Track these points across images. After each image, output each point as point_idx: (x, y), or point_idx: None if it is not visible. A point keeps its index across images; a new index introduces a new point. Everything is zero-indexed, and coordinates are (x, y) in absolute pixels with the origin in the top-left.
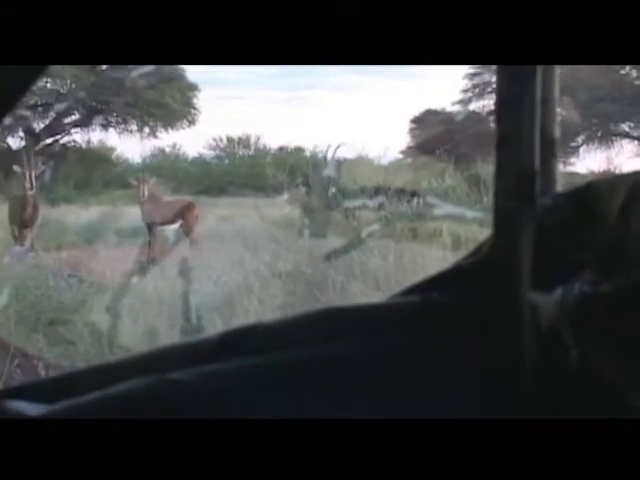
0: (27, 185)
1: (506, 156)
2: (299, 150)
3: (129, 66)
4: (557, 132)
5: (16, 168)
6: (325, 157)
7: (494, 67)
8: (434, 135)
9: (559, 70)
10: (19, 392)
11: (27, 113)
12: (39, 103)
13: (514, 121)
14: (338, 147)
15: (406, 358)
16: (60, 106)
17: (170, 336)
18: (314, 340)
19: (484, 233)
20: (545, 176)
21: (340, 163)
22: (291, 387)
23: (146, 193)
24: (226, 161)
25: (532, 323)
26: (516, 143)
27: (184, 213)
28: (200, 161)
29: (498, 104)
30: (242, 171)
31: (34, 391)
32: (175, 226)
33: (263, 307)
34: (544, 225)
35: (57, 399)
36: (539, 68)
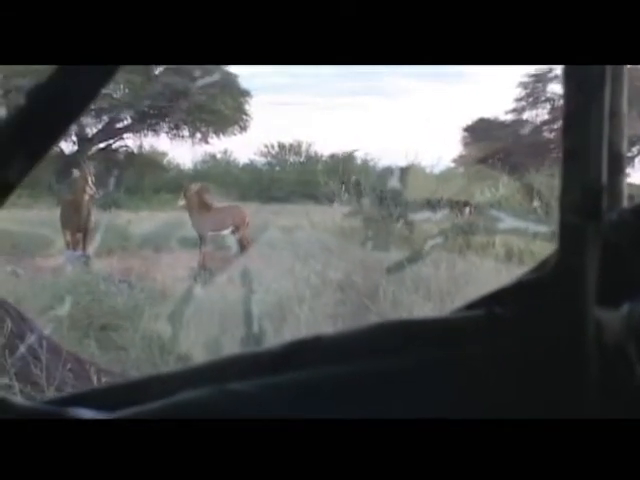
0: (86, 189)
1: (573, 170)
2: (351, 157)
3: (183, 72)
4: (624, 146)
5: (76, 172)
6: (391, 168)
7: (548, 76)
8: (487, 144)
9: (627, 84)
10: (80, 399)
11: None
12: (92, 107)
13: (581, 134)
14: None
15: (470, 373)
16: (113, 111)
17: (227, 345)
18: (378, 354)
19: (538, 245)
20: (612, 191)
21: (405, 174)
22: (354, 401)
23: (195, 200)
24: (277, 168)
25: (597, 339)
26: (583, 157)
27: (235, 220)
28: (251, 167)
29: (565, 116)
30: (293, 178)
31: (94, 399)
32: (226, 232)
33: (314, 316)
34: (610, 241)
35: (117, 407)
36: (607, 79)
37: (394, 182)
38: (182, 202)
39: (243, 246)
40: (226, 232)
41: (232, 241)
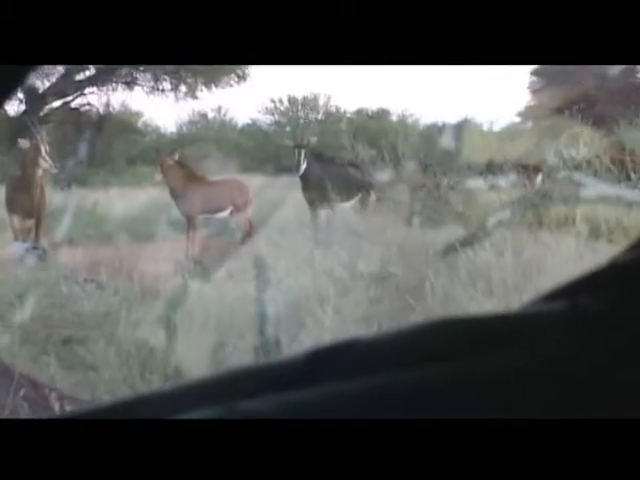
0: (39, 161)
1: None
2: (383, 114)
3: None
4: None
5: (23, 140)
6: (437, 125)
7: None
8: (563, 90)
9: None
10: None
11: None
12: None
13: None
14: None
15: (550, 379)
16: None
17: (229, 358)
18: (432, 360)
19: (633, 218)
20: None
21: (456, 132)
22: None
23: (178, 173)
24: (287, 129)
25: None
26: None
27: (234, 197)
28: (253, 129)
29: None
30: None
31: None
32: (224, 214)
33: (341, 319)
34: None
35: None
36: None
37: (445, 142)
38: (159, 176)
39: (246, 232)
40: (223, 214)
41: (231, 225)
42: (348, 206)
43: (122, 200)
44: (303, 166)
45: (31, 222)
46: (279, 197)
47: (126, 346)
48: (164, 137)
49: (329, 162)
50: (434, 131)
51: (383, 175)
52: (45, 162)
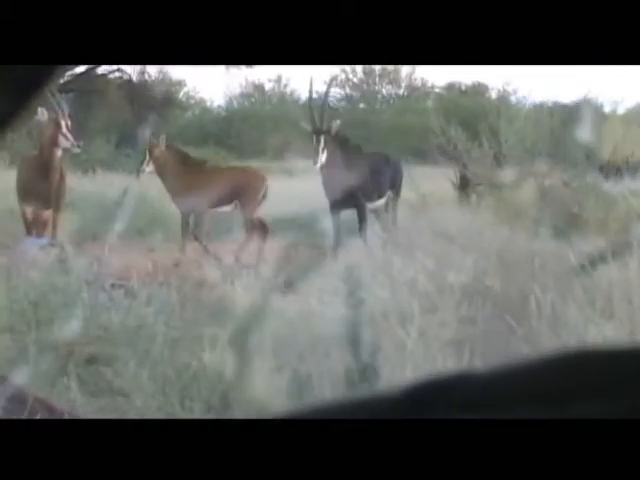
0: (58, 139)
1: None
2: (480, 89)
3: None
4: None
5: (41, 112)
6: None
7: None
8: None
9: None
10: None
11: None
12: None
13: None
14: None
15: None
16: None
17: (283, 386)
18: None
19: None
20: None
21: (577, 114)
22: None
23: (170, 160)
24: (360, 105)
25: None
26: None
27: (241, 189)
28: (318, 104)
29: None
30: (386, 121)
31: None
32: (226, 209)
33: (426, 342)
34: None
35: None
36: None
37: (557, 127)
38: (148, 167)
39: (252, 231)
40: (226, 208)
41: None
42: (372, 207)
43: (158, 188)
44: (323, 156)
45: (47, 214)
46: None
47: (163, 368)
48: (210, 112)
49: (355, 151)
50: (544, 113)
51: (481, 166)
52: (66, 140)
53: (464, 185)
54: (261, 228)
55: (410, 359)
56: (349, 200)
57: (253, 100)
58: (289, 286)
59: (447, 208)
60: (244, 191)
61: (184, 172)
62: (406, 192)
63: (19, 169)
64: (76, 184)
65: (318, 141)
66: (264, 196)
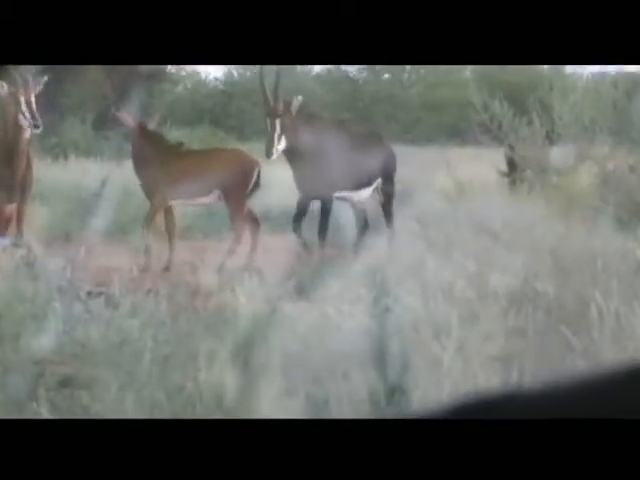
0: (21, 119)
1: None
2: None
3: None
4: None
5: (1, 86)
6: (615, 75)
7: None
8: None
9: None
10: None
11: None
12: None
13: None
14: None
15: None
16: None
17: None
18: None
19: None
20: None
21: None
22: None
23: (141, 141)
24: (385, 75)
25: None
26: None
27: (224, 175)
28: (335, 77)
29: None
30: (416, 96)
31: None
32: (205, 200)
33: (466, 358)
34: None
35: None
36: None
37: (621, 101)
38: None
39: (239, 227)
40: (204, 200)
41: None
42: (359, 197)
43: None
44: (280, 144)
45: (11, 208)
46: None
47: (151, 392)
48: (205, 87)
49: (327, 131)
50: (605, 84)
51: (531, 148)
52: (24, 118)
53: (510, 170)
54: (251, 222)
55: (447, 378)
56: (319, 190)
57: (256, 71)
58: (300, 292)
59: (490, 198)
60: (227, 178)
61: (155, 157)
62: (441, 179)
63: None
64: (45, 172)
65: (273, 126)
66: (256, 184)
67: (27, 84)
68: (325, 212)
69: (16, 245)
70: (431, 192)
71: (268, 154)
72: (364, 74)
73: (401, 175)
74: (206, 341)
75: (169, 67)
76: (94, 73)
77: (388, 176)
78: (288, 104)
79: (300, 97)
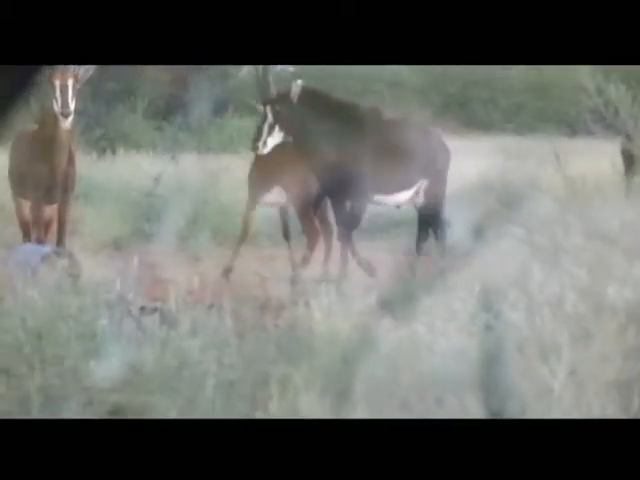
0: (54, 107)
1: None
2: None
3: None
4: None
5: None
6: None
7: None
8: None
9: None
10: None
11: None
12: None
13: None
14: None
15: None
16: None
17: None
18: None
19: None
20: None
21: None
22: None
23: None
24: None
25: None
26: None
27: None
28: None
29: None
30: (514, 77)
31: None
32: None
33: (580, 383)
34: None
35: None
36: None
37: None
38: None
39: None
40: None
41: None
42: (394, 202)
43: (202, 172)
44: (271, 138)
45: (51, 210)
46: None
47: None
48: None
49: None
50: None
51: None
52: (56, 104)
53: (628, 165)
54: (324, 227)
55: (556, 407)
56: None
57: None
58: (386, 308)
59: (605, 198)
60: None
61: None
62: (548, 175)
63: (12, 149)
64: (90, 169)
65: (264, 116)
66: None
67: (67, 67)
68: (425, 221)
69: (57, 254)
70: (536, 191)
71: (253, 147)
72: None
73: (502, 171)
74: (278, 364)
75: None
76: None
77: (437, 176)
78: (286, 90)
79: (300, 81)
